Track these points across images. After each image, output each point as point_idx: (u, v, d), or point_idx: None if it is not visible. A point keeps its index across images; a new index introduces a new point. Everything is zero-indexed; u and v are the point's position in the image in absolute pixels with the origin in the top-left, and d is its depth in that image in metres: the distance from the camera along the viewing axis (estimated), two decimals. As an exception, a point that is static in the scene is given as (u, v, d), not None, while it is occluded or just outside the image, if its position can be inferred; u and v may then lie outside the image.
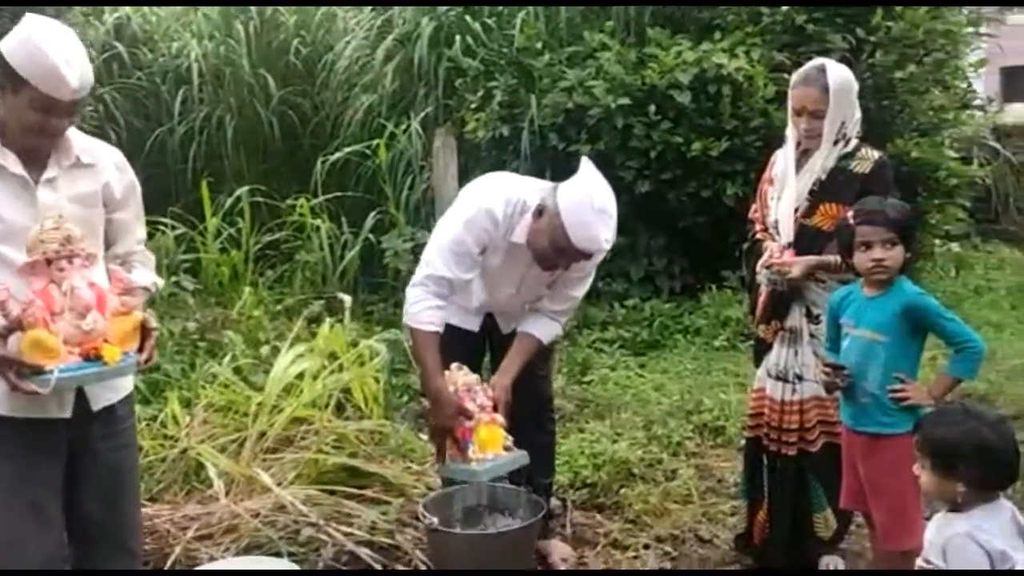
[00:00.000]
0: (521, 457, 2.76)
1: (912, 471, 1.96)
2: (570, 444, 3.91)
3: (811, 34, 6.19)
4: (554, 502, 3.38)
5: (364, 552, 3.08)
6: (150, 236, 5.43)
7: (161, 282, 2.45)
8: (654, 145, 5.93)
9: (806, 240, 2.80)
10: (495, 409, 2.76)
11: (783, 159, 2.89)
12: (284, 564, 2.62)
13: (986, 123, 8.81)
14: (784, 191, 2.85)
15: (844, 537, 3.10)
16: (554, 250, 2.63)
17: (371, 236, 6.22)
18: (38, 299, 2.00)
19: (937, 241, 7.60)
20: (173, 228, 5.74)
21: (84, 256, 2.07)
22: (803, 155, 2.84)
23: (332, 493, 3.36)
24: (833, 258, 2.69)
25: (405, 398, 4.52)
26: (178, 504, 3.33)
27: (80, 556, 2.38)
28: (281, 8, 7.68)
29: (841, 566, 3.03)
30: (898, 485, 2.40)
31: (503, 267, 2.80)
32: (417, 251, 4.50)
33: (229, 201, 6.17)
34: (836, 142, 2.78)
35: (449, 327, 2.81)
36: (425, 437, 3.74)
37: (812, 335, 2.83)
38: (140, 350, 2.15)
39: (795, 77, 2.84)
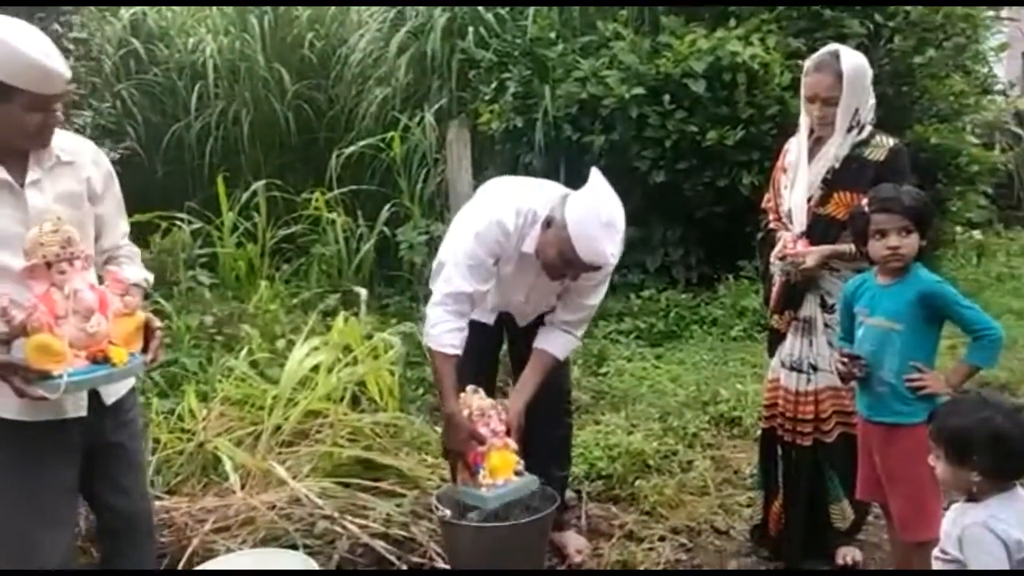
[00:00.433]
0: (531, 482, 2.78)
1: (929, 461, 1.94)
2: (585, 436, 3.90)
3: (828, 20, 6.13)
4: (569, 494, 3.37)
5: (379, 544, 3.08)
6: (167, 231, 5.53)
7: (151, 277, 2.43)
8: (669, 135, 5.90)
9: (820, 229, 2.77)
10: (508, 433, 2.77)
11: (796, 147, 2.86)
12: (299, 557, 2.62)
13: (1007, 108, 8.69)
14: (797, 180, 2.81)
15: (862, 528, 3.07)
16: (561, 261, 2.64)
17: (386, 229, 6.23)
18: (41, 303, 1.97)
19: (958, 228, 7.50)
20: (190, 223, 5.77)
21: (84, 258, 2.05)
22: (816, 143, 2.81)
23: (347, 486, 3.36)
24: (847, 247, 2.66)
25: (420, 391, 4.52)
26: (195, 497, 3.34)
27: (109, 546, 2.42)
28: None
29: (859, 557, 3.01)
30: (915, 475, 2.36)
31: (514, 276, 2.82)
32: (432, 244, 4.50)
33: (245, 195, 6.19)
34: (850, 129, 2.74)
35: None
36: (440, 429, 3.74)
37: (827, 325, 2.81)
38: (145, 350, 2.15)
39: (808, 63, 2.81)
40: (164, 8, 8.05)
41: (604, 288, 2.93)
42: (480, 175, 6.35)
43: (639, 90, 5.89)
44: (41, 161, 2.12)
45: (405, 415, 3.95)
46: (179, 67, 7.63)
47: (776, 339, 2.96)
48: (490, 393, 2.91)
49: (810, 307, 2.84)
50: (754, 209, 3.10)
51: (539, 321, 2.97)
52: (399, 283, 6.14)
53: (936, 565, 1.92)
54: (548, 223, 2.64)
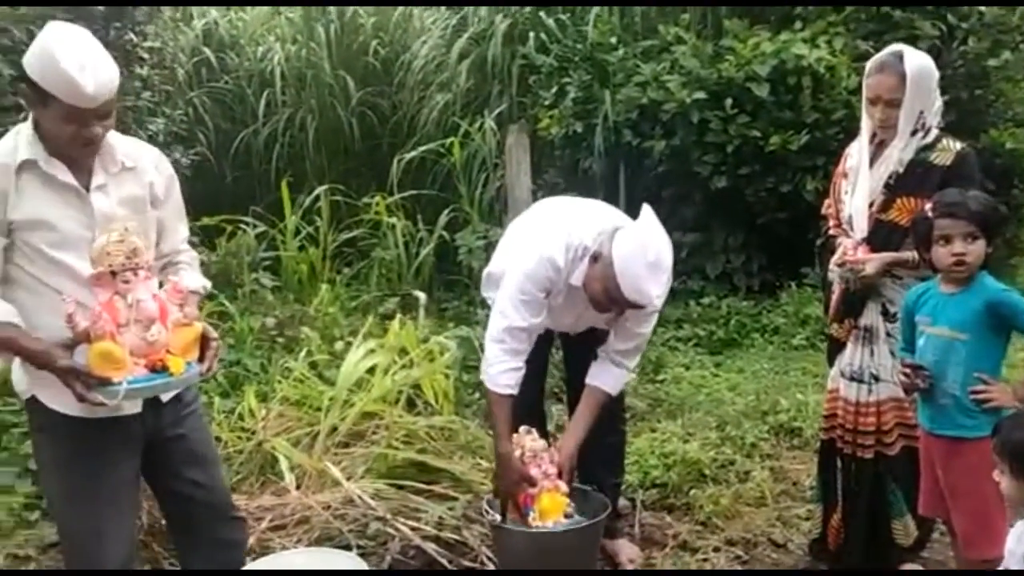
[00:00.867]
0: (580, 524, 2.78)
1: (993, 476, 1.87)
2: (641, 443, 3.86)
3: (898, 21, 5.98)
4: (623, 502, 3.34)
5: (431, 547, 3.10)
6: (232, 235, 5.67)
7: (209, 284, 2.47)
8: (731, 139, 5.82)
9: (882, 236, 2.69)
10: (560, 475, 2.78)
11: (857, 151, 2.78)
12: (351, 558, 2.65)
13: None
14: (858, 185, 2.73)
15: (926, 545, 2.97)
16: (606, 298, 2.64)
17: (445, 234, 6.28)
18: (105, 311, 2.03)
19: (1035, 236, 7.22)
20: (255, 227, 5.90)
21: (147, 268, 2.10)
22: (878, 147, 2.73)
23: (401, 488, 3.40)
24: (910, 254, 2.58)
25: (476, 395, 4.54)
26: (254, 495, 3.42)
27: (182, 538, 2.49)
28: (360, 10, 7.82)
29: (921, 575, 2.92)
30: (980, 491, 2.28)
31: (563, 306, 2.83)
32: (490, 248, 4.52)
33: (308, 200, 6.31)
34: (914, 132, 2.66)
35: None
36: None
37: (889, 334, 2.72)
38: (201, 359, 2.19)
39: (871, 64, 2.73)
40: (235, 17, 8.27)
41: (655, 318, 2.92)
42: (539, 180, 6.37)
43: (700, 95, 5.82)
44: (107, 166, 2.17)
45: (460, 419, 3.97)
46: (248, 75, 7.82)
47: (836, 348, 2.88)
48: (540, 395, 2.91)
49: (871, 315, 2.76)
50: (818, 215, 3.03)
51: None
52: (457, 287, 6.18)
53: (999, 585, 1.85)
54: (595, 258, 2.65)
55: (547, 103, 6.51)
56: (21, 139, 2.12)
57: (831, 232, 2.88)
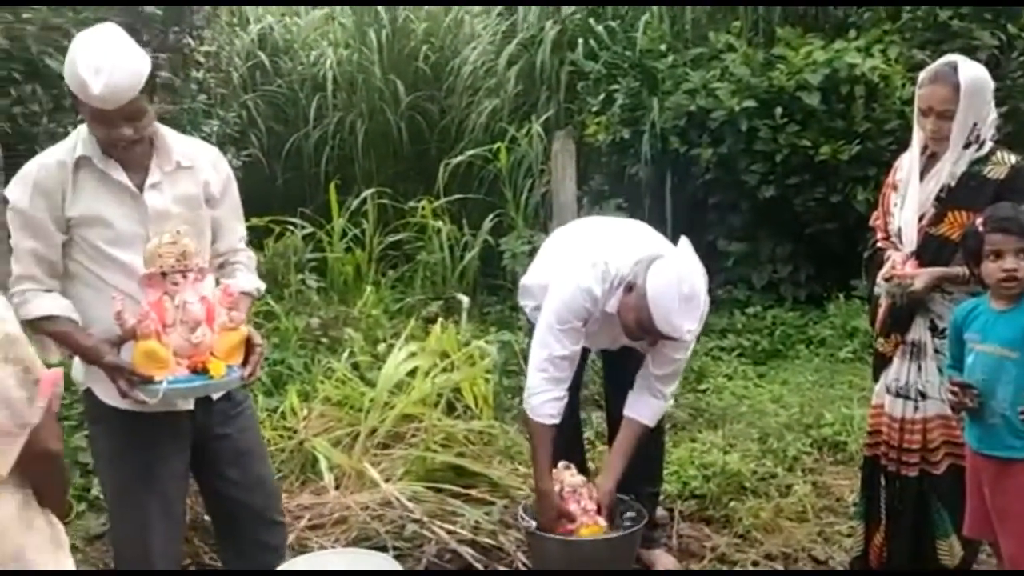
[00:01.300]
0: None
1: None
2: (680, 453, 3.83)
3: (956, 31, 5.83)
4: (661, 512, 3.32)
5: (467, 551, 3.12)
6: (280, 236, 5.76)
7: (263, 286, 2.51)
8: (780, 148, 5.74)
9: (932, 250, 2.63)
10: (599, 511, 2.81)
11: (908, 163, 2.73)
12: (386, 560, 2.67)
13: None
14: (908, 197, 2.68)
15: (972, 567, 2.89)
16: (638, 328, 2.66)
17: (490, 238, 6.30)
18: (152, 311, 2.08)
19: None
20: (302, 228, 5.98)
21: (197, 271, 2.14)
22: (930, 159, 2.67)
23: (438, 491, 3.42)
24: (960, 269, 2.52)
25: (516, 399, 4.54)
26: (294, 493, 3.47)
27: (223, 537, 2.53)
28: (412, 15, 7.90)
29: (967, 598, 2.84)
30: (1028, 514, 2.22)
31: (600, 331, 2.86)
32: (534, 254, 4.53)
33: (356, 202, 6.38)
34: (967, 145, 2.59)
35: None
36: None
37: (937, 350, 2.66)
38: (244, 363, 2.22)
39: (923, 75, 2.67)
40: (289, 22, 8.40)
41: (692, 345, 2.93)
42: (584, 186, 6.36)
43: (750, 103, 5.76)
44: (162, 165, 2.22)
45: (499, 423, 3.98)
46: (301, 79, 7.94)
47: (881, 363, 2.83)
48: (577, 420, 2.91)
49: (919, 330, 2.70)
50: (869, 226, 2.98)
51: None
52: (501, 292, 6.20)
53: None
54: (630, 287, 2.66)
55: (595, 109, 6.49)
56: (80, 137, 2.19)
57: (879, 245, 2.82)
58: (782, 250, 6.09)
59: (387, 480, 3.42)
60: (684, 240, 2.73)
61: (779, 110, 5.75)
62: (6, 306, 1.55)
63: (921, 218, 2.66)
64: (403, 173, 7.55)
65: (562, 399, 2.78)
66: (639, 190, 6.24)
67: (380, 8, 7.76)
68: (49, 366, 1.58)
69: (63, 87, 2.16)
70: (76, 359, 2.26)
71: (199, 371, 2.12)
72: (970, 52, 4.90)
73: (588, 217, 3.22)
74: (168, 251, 2.09)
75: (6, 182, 2.36)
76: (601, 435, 3.74)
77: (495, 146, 6.55)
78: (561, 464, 2.85)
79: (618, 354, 2.99)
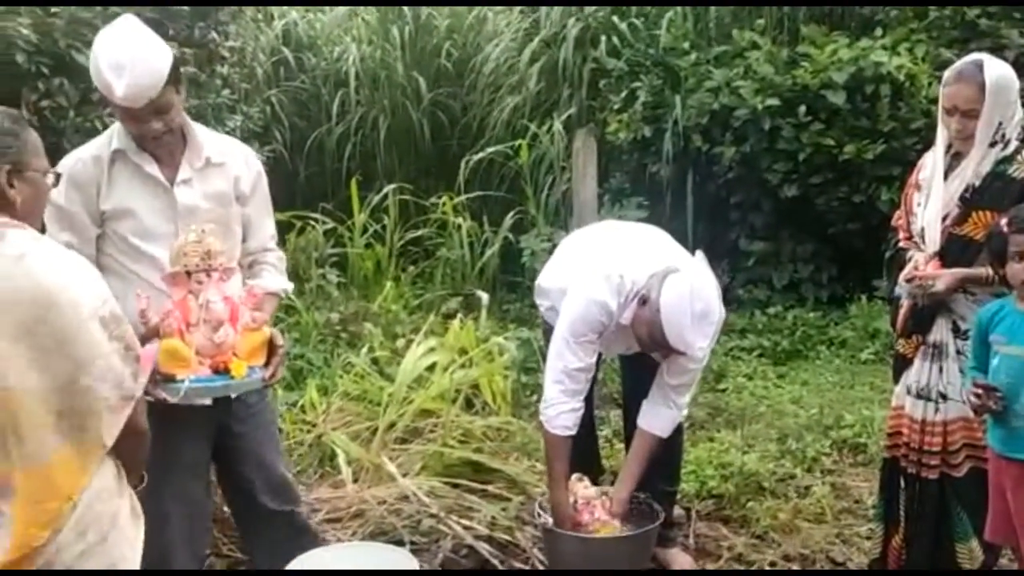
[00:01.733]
0: None
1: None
2: (698, 453, 3.82)
3: (984, 29, 5.75)
4: (678, 511, 3.31)
5: (483, 547, 3.13)
6: (301, 231, 5.79)
7: (291, 286, 2.53)
8: (803, 147, 5.69)
9: (955, 250, 2.60)
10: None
11: (931, 162, 2.70)
12: (403, 554, 2.69)
13: None
14: (931, 197, 2.65)
15: (993, 571, 2.86)
16: (651, 341, 2.68)
17: (510, 235, 6.31)
18: (176, 309, 2.10)
19: None
20: (323, 223, 6.01)
21: (222, 270, 2.15)
22: (954, 158, 2.64)
23: (455, 486, 3.43)
24: (984, 270, 2.49)
25: (534, 396, 4.55)
26: (312, 486, 3.49)
27: (246, 530, 2.56)
28: (435, 12, 7.91)
29: (987, 602, 2.81)
30: (1051, 519, 2.20)
31: (615, 340, 2.87)
32: (554, 252, 4.53)
33: (377, 198, 6.41)
34: (993, 144, 2.56)
35: None
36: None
37: (959, 351, 2.63)
38: (266, 364, 2.23)
39: (948, 73, 2.64)
40: (313, 18, 8.44)
41: (707, 357, 2.93)
42: (605, 184, 6.34)
43: (773, 101, 5.71)
44: (192, 161, 2.25)
45: (517, 420, 3.99)
46: (324, 75, 7.96)
47: (902, 364, 2.80)
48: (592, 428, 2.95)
49: (940, 331, 2.67)
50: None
51: None
52: (520, 289, 6.19)
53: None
54: (644, 301, 2.66)
55: (617, 107, 6.46)
56: (115, 131, 2.22)
57: (901, 245, 2.80)
58: (804, 250, 6.04)
59: (405, 475, 3.44)
60: (700, 254, 2.75)
61: (803, 109, 5.70)
62: (105, 285, 1.62)
63: (945, 218, 2.62)
64: (424, 169, 7.56)
65: (578, 410, 2.79)
66: (660, 188, 6.21)
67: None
68: None
69: (91, 81, 2.19)
70: None
71: (221, 371, 2.13)
72: (998, 51, 4.84)
73: (605, 221, 3.21)
74: (193, 250, 2.11)
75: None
76: (618, 433, 3.73)
77: (516, 143, 6.55)
78: (574, 476, 2.87)
79: (635, 356, 2.98)
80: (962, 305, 2.62)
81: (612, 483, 3.01)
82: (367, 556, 2.54)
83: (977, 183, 2.59)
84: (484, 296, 5.05)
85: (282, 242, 5.51)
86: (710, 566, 3.14)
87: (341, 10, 8.40)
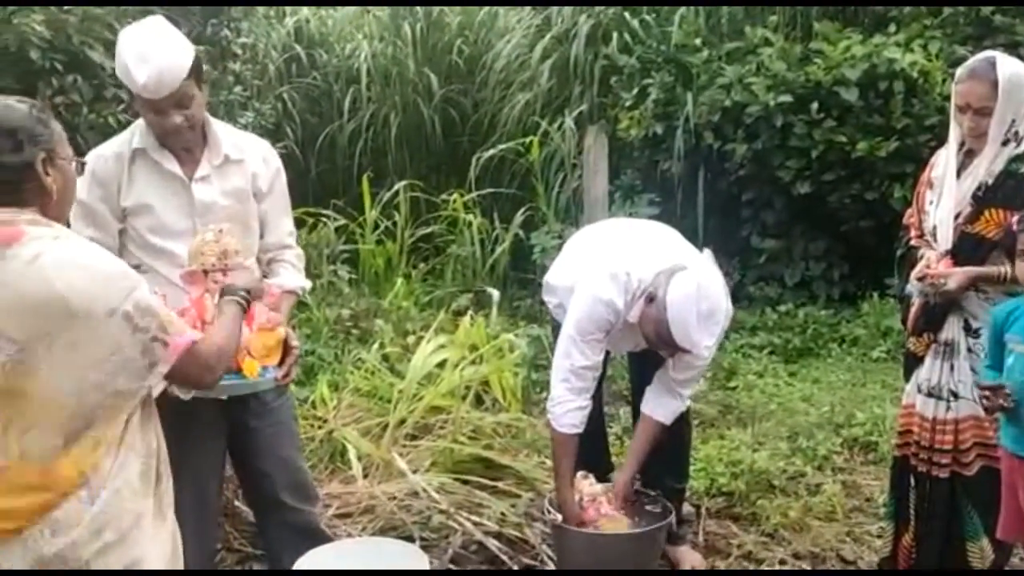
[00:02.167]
0: None
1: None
2: (708, 450, 3.82)
3: (998, 26, 5.72)
4: (687, 508, 3.31)
5: (492, 543, 3.13)
6: (313, 227, 5.81)
7: (309, 284, 2.54)
8: (815, 144, 5.67)
9: (967, 248, 2.58)
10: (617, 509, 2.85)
11: (944, 160, 2.68)
12: (413, 550, 2.70)
13: None
14: (944, 195, 2.64)
15: (1003, 570, 2.85)
16: (657, 339, 2.68)
17: (521, 232, 6.31)
18: (192, 307, 2.10)
19: None
20: (334, 220, 6.03)
21: (239, 270, 2.15)
22: (967, 156, 2.63)
23: (465, 483, 3.44)
24: (996, 269, 2.47)
25: (544, 393, 4.55)
26: (322, 482, 3.51)
27: (262, 525, 2.58)
28: (446, 9, 7.91)
29: (997, 602, 2.80)
30: (1063, 518, 2.19)
31: (622, 338, 2.88)
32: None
33: (388, 195, 6.42)
34: (1006, 142, 2.54)
35: None
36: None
37: (970, 349, 2.62)
38: (280, 364, 2.24)
39: (961, 71, 2.62)
40: (325, 15, 8.45)
41: (713, 349, 2.90)
42: (616, 181, 6.33)
43: (786, 98, 5.69)
44: (211, 158, 2.27)
45: (527, 416, 4.00)
46: (336, 72, 7.98)
47: (913, 363, 2.79)
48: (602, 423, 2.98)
49: (952, 330, 2.65)
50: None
51: None
52: (531, 286, 6.19)
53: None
54: (651, 299, 2.66)
55: (628, 104, 6.45)
56: (137, 129, 2.24)
57: (912, 243, 2.78)
58: (816, 247, 6.03)
59: (414, 471, 3.45)
60: (707, 252, 2.74)
61: (815, 105, 5.68)
62: (136, 275, 1.62)
63: (957, 216, 2.61)
64: (435, 166, 7.57)
65: (585, 408, 2.79)
66: (672, 185, 6.20)
67: (414, 1, 7.80)
68: None
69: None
70: None
71: (234, 370, 2.13)
72: (1012, 48, 4.82)
73: (613, 218, 3.21)
74: (210, 249, 2.12)
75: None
76: (628, 430, 3.73)
77: (527, 140, 6.55)
78: (579, 474, 2.87)
79: (643, 353, 2.98)
80: (974, 303, 2.61)
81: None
82: (377, 552, 2.55)
83: (990, 181, 2.57)
84: (494, 293, 5.06)
85: (293, 238, 5.55)
86: (719, 564, 3.14)
87: (353, 7, 8.42)
